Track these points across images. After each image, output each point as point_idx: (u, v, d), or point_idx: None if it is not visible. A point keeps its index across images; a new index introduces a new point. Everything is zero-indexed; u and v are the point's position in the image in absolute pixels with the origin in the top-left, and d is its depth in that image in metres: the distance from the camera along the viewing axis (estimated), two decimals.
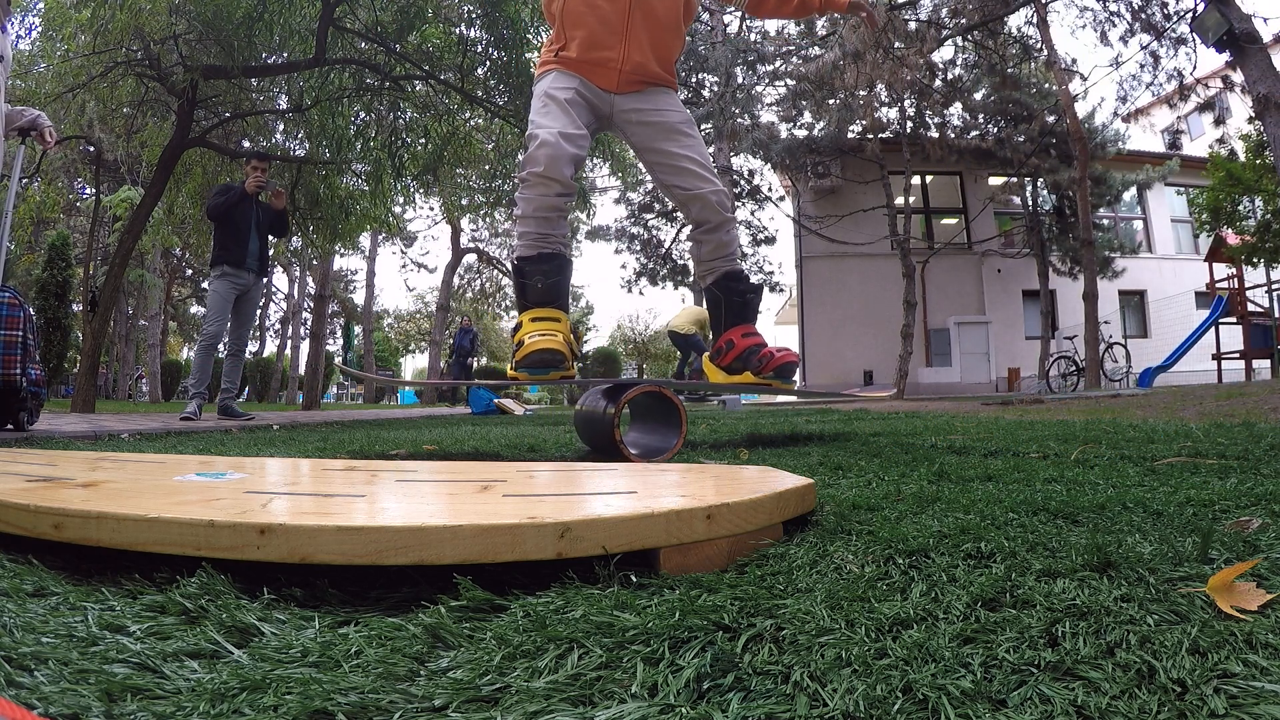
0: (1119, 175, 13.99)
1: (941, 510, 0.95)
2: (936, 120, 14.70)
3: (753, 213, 19.67)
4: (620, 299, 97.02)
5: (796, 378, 2.29)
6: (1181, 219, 17.16)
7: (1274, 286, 9.86)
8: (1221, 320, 10.42)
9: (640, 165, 2.36)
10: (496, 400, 9.03)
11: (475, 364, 15.26)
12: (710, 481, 0.96)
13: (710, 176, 2.17)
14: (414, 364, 41.99)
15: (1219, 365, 10.57)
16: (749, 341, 2.19)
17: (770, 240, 20.34)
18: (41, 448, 2.36)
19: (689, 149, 2.16)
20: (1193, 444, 1.68)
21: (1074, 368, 12.22)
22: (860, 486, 1.20)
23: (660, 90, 2.19)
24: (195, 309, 25.99)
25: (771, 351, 2.16)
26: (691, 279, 16.36)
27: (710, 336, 2.57)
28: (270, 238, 5.29)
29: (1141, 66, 11.26)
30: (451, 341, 12.54)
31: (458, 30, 7.24)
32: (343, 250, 18.56)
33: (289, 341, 26.24)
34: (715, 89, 15.15)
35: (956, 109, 14.75)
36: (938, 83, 13.85)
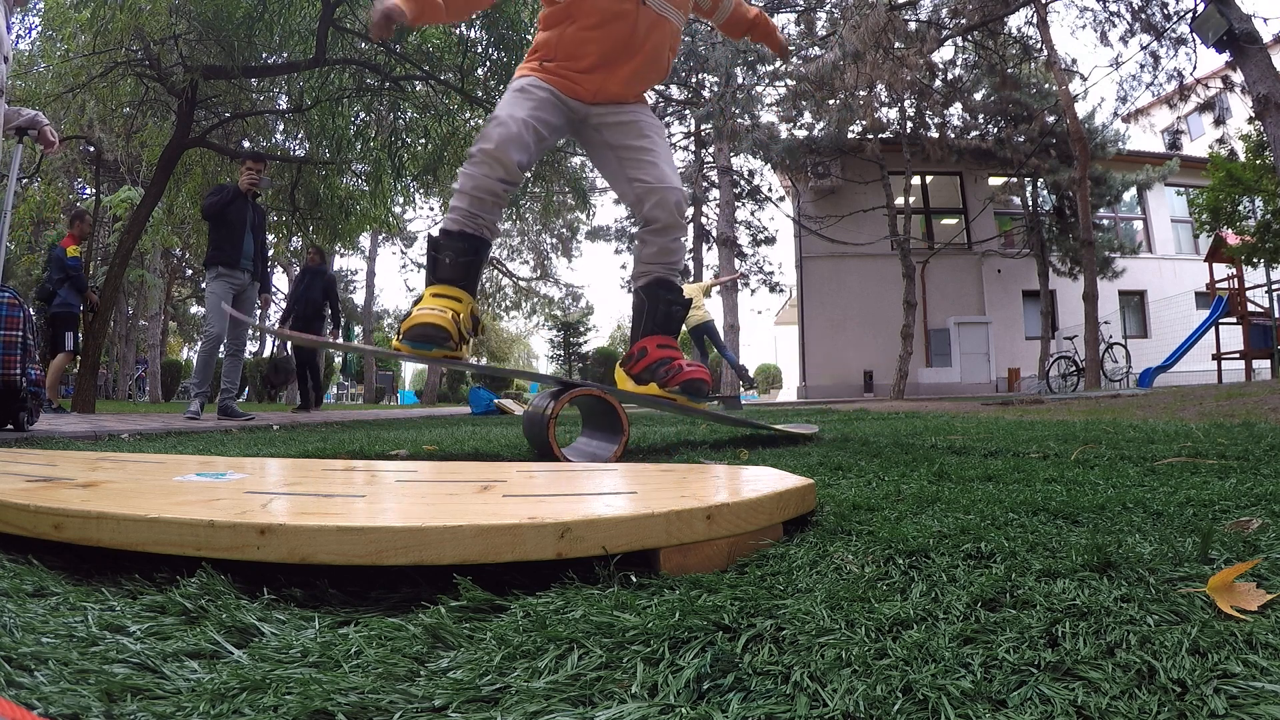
0: (1119, 175, 13.99)
1: (941, 510, 0.95)
2: (936, 120, 14.68)
3: (753, 213, 19.71)
4: (620, 299, 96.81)
5: (746, 399, 2.22)
6: (1181, 219, 17.15)
7: (1274, 286, 9.86)
8: (1221, 320, 10.41)
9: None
10: (496, 400, 9.03)
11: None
12: (710, 481, 0.96)
13: (674, 178, 2.15)
14: (414, 365, 41.98)
15: (1219, 365, 10.57)
16: (661, 353, 2.13)
17: (770, 240, 20.37)
18: (41, 448, 2.36)
19: (658, 147, 2.15)
20: (1193, 444, 1.68)
21: (1074, 368, 12.20)
22: (860, 486, 1.20)
23: (633, 102, 2.21)
24: (195, 309, 25.97)
25: (682, 365, 2.10)
26: (691, 279, 16.35)
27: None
28: (269, 239, 5.30)
29: (1141, 67, 11.27)
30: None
31: (458, 30, 7.25)
32: (343, 250, 18.58)
33: (288, 342, 26.20)
34: (715, 89, 15.15)
35: (956, 109, 14.74)
36: (938, 83, 13.84)
